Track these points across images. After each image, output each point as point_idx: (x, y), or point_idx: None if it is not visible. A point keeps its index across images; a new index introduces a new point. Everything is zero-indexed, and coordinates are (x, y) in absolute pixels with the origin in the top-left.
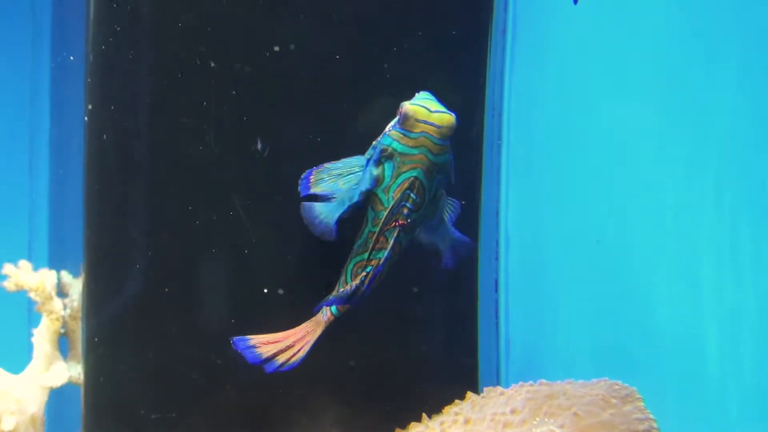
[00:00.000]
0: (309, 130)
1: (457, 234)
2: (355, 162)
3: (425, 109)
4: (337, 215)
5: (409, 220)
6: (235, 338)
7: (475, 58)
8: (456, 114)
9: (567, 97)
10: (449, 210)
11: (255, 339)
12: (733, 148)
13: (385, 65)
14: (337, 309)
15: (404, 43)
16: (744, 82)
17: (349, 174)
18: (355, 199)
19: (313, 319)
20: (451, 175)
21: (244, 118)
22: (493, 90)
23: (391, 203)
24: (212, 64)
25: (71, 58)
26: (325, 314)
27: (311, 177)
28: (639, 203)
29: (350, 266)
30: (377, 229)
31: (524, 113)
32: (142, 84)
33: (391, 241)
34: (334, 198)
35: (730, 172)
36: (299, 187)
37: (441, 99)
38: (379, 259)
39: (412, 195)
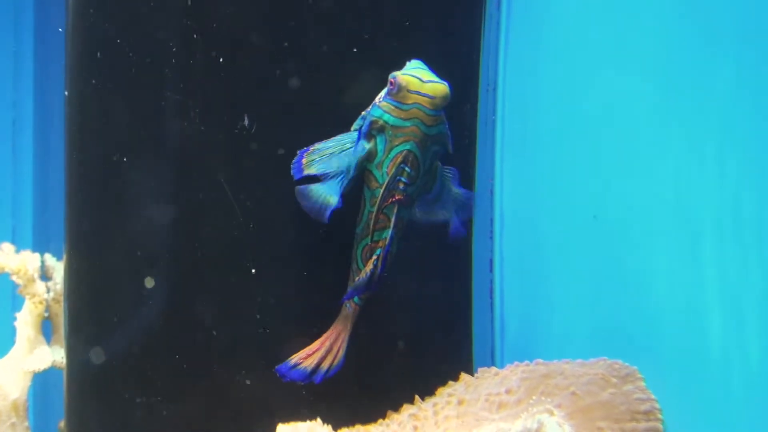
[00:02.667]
0: (299, 106)
1: (461, 190)
2: (346, 139)
3: (417, 79)
4: (335, 195)
5: (405, 195)
6: (278, 367)
7: (470, 32)
8: (449, 83)
9: (563, 71)
10: (447, 179)
11: (295, 358)
12: (736, 121)
13: (379, 39)
14: (359, 298)
15: (397, 17)
16: (746, 53)
17: (342, 151)
18: (352, 173)
19: (341, 315)
20: (449, 145)
21: (231, 94)
22: (488, 65)
23: (386, 179)
24: (195, 36)
25: (60, 29)
26: (350, 306)
27: (303, 160)
28: (637, 178)
29: (358, 252)
30: (375, 209)
31: (519, 88)
32: (125, 58)
33: (393, 219)
34: (328, 177)
35: (732, 145)
36: (292, 171)
37: (436, 74)
38: (384, 239)
39: (406, 168)
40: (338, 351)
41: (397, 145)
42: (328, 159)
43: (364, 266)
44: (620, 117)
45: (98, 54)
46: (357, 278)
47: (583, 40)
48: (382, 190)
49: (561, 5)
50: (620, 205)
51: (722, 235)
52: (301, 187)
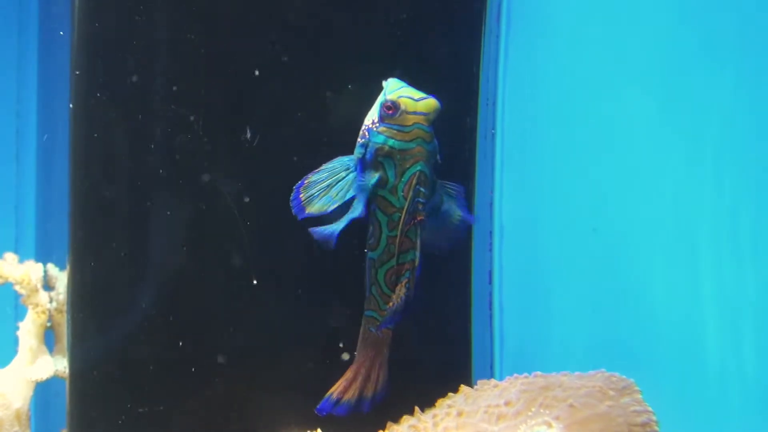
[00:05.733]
0: (301, 118)
1: (463, 212)
2: (339, 167)
3: (411, 99)
4: (341, 227)
5: (425, 214)
6: (319, 406)
7: (469, 46)
8: (435, 96)
9: (562, 85)
10: (450, 192)
11: (334, 393)
12: (733, 134)
13: (378, 53)
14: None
15: (397, 31)
16: (744, 67)
17: (338, 182)
18: (363, 204)
19: (368, 341)
20: (438, 157)
21: (234, 106)
22: (488, 78)
23: (405, 203)
24: (198, 50)
25: (61, 33)
26: (381, 332)
27: (301, 196)
28: (636, 191)
29: (380, 276)
30: (397, 233)
31: (519, 102)
32: (129, 70)
33: (418, 240)
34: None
35: (729, 158)
36: (293, 210)
37: (433, 88)
38: (412, 260)
39: (422, 189)
40: (378, 377)
41: (408, 168)
42: (326, 192)
43: (390, 290)
44: (619, 131)
45: (103, 67)
46: (391, 303)
47: (582, 53)
48: (403, 214)
49: (560, 19)
50: (619, 218)
51: (719, 249)
52: (314, 230)
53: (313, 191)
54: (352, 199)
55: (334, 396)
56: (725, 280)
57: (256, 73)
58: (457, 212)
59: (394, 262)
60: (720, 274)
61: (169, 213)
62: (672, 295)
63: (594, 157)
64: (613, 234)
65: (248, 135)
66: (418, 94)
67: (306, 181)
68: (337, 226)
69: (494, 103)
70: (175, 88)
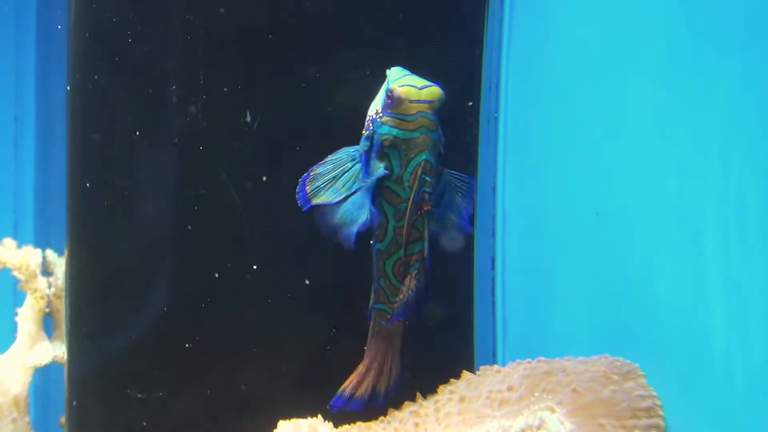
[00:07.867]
0: (301, 101)
1: (465, 211)
2: (344, 158)
3: (413, 87)
4: (361, 218)
5: (431, 204)
6: (332, 403)
7: (472, 29)
8: (438, 83)
9: (566, 68)
10: (460, 186)
11: (347, 388)
12: (740, 117)
13: (381, 36)
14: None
15: (399, 13)
16: (751, 49)
17: (344, 173)
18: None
19: (379, 333)
20: (442, 146)
21: (233, 89)
22: (491, 61)
23: (412, 193)
24: (197, 31)
25: (59, 26)
26: (391, 325)
27: (306, 188)
28: (640, 175)
29: (388, 268)
30: (404, 223)
31: (522, 85)
32: (127, 54)
33: (426, 231)
34: (340, 201)
35: (736, 141)
36: (299, 202)
37: (436, 71)
38: (421, 251)
39: (428, 179)
40: (391, 370)
41: (413, 158)
42: (332, 184)
43: (399, 282)
44: (623, 113)
45: (101, 48)
46: (401, 296)
47: (587, 37)
48: (409, 205)
49: (564, 1)
50: (623, 201)
51: (725, 232)
52: (320, 212)
53: (319, 183)
54: (358, 190)
55: (347, 392)
56: (731, 264)
57: (258, 57)
58: (453, 217)
59: (402, 253)
60: (726, 257)
61: (167, 198)
62: (677, 279)
63: (598, 140)
64: (617, 218)
65: (248, 119)
66: (421, 82)
67: (312, 173)
68: (359, 214)
69: (497, 87)
70: (174, 71)
